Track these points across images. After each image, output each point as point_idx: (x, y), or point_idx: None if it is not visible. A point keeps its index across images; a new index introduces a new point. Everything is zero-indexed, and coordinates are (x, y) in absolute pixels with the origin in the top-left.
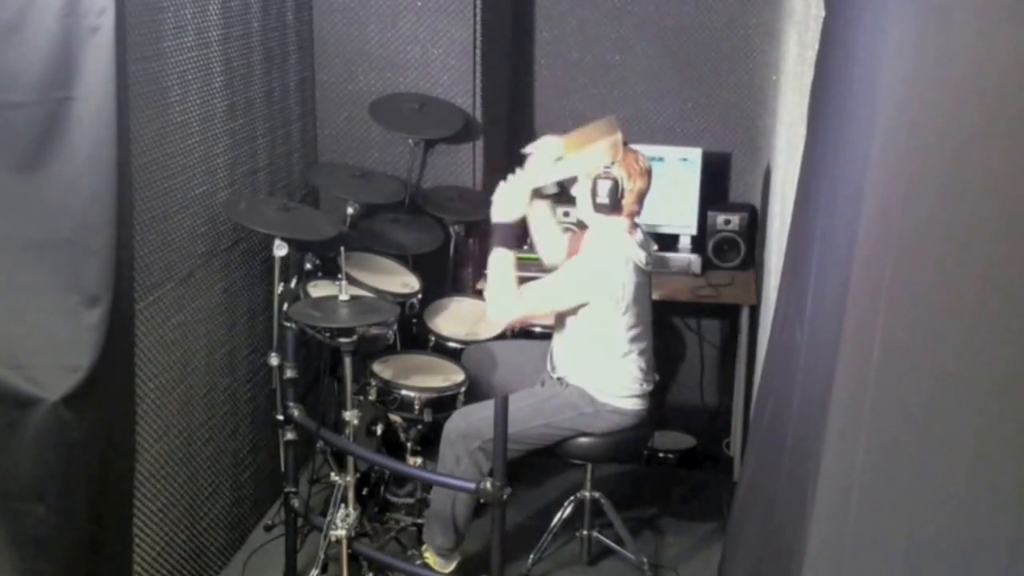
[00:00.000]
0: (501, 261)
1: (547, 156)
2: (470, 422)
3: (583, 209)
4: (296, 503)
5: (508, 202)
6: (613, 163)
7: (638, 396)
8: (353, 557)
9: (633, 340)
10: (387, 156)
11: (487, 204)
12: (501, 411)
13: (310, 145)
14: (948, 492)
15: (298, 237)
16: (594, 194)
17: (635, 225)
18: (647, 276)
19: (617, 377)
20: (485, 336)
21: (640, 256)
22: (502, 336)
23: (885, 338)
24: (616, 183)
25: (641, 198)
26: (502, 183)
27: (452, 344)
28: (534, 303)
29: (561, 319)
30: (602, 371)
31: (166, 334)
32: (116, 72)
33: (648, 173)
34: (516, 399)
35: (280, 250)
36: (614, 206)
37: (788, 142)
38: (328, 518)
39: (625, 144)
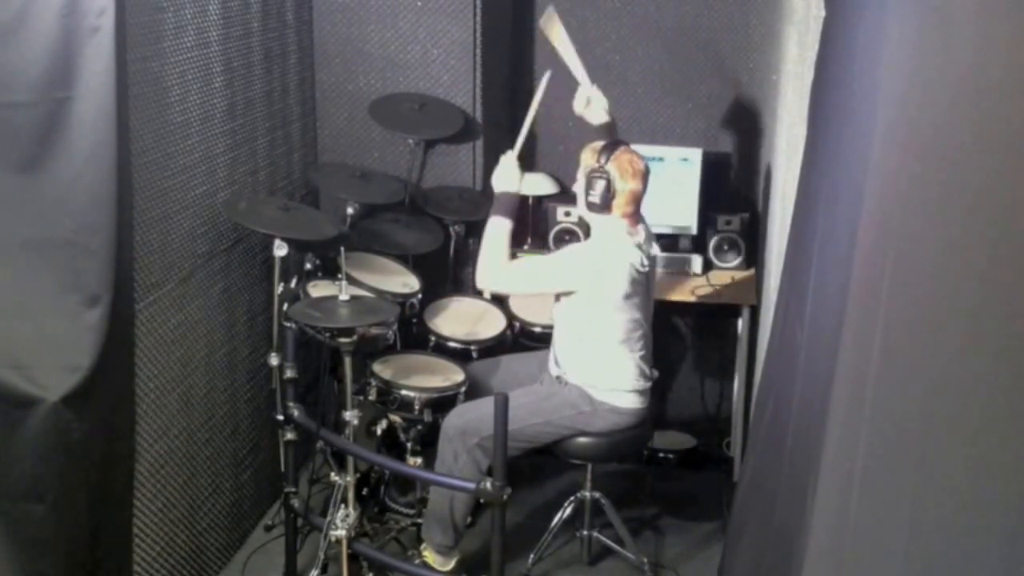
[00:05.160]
0: (497, 228)
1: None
2: (468, 419)
3: (581, 206)
4: (296, 503)
5: (505, 173)
6: (609, 160)
7: (636, 392)
8: (353, 557)
9: (631, 337)
10: (387, 156)
11: (487, 204)
12: (501, 411)
13: (310, 145)
14: (948, 491)
15: (298, 237)
16: (586, 192)
17: (637, 223)
18: (645, 275)
19: (614, 373)
20: (485, 336)
21: (636, 258)
22: (502, 342)
23: (885, 338)
24: (608, 183)
25: (636, 199)
26: (503, 156)
27: (452, 344)
28: (521, 278)
29: (560, 318)
30: (599, 367)
31: (166, 334)
32: (116, 72)
33: (643, 175)
34: (515, 397)
35: (280, 250)
36: (604, 205)
37: (788, 142)
38: (328, 518)
39: (625, 144)
